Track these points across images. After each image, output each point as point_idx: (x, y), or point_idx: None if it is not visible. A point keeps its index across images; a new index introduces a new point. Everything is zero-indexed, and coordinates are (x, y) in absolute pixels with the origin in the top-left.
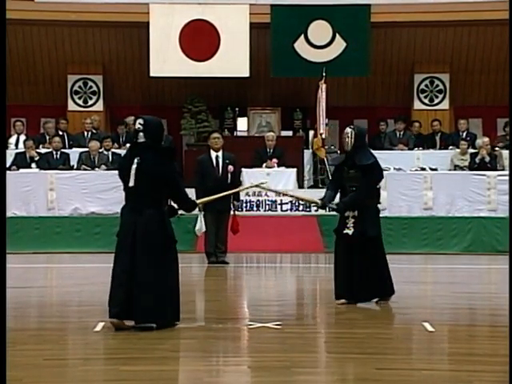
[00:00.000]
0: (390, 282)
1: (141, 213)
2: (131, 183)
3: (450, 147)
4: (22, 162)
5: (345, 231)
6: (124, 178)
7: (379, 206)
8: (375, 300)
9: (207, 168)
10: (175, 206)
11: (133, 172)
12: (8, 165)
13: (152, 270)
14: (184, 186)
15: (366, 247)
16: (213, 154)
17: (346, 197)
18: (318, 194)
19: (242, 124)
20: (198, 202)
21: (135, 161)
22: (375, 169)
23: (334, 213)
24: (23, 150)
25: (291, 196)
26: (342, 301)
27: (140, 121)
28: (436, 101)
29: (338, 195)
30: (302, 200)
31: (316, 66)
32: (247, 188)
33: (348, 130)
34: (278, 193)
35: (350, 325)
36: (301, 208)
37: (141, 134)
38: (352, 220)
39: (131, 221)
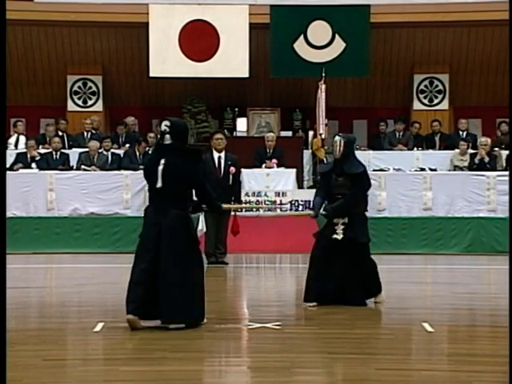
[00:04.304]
0: (376, 282)
1: (166, 214)
2: (159, 184)
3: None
4: (23, 162)
5: (334, 236)
6: (150, 179)
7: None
8: (373, 301)
9: (209, 168)
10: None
11: (159, 173)
12: (8, 165)
13: (178, 270)
14: (210, 187)
15: (356, 252)
16: (215, 154)
17: (335, 202)
18: None
19: (241, 124)
20: (225, 206)
21: (161, 162)
22: (364, 178)
23: None
24: (23, 150)
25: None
26: (315, 303)
27: (166, 123)
28: (435, 101)
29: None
30: (296, 216)
31: (315, 67)
32: (258, 207)
33: (337, 138)
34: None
35: (350, 325)
36: (300, 208)
37: (167, 135)
38: (342, 226)
39: (156, 221)
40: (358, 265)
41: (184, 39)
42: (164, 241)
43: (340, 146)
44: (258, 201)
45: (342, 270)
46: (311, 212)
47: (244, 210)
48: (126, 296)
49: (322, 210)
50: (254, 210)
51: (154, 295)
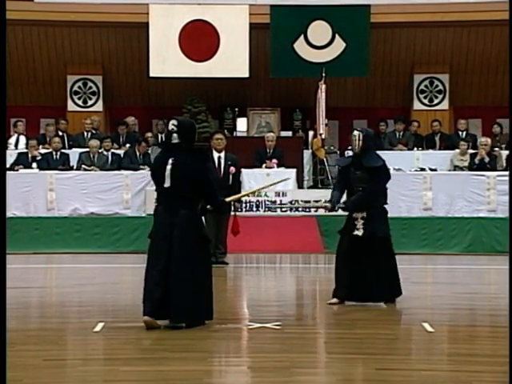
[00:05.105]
0: (397, 283)
1: (177, 213)
2: (167, 184)
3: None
4: (24, 162)
5: (354, 232)
6: (158, 178)
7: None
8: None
9: None
10: (207, 205)
11: (168, 173)
12: (9, 165)
13: (189, 269)
14: (216, 186)
15: (376, 248)
16: (215, 154)
17: (354, 196)
18: (317, 194)
19: (241, 124)
20: (228, 200)
21: (170, 161)
22: (383, 171)
23: (334, 213)
24: (23, 150)
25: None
26: (335, 300)
27: (174, 122)
28: (436, 101)
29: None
30: (313, 206)
31: (315, 67)
32: (271, 185)
33: (356, 132)
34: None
35: (350, 325)
36: (300, 208)
37: (174, 135)
38: (361, 221)
39: (167, 221)
40: (379, 262)
41: (184, 39)
42: (176, 241)
43: (359, 140)
44: (258, 201)
45: (366, 267)
46: (328, 204)
47: (244, 209)
48: (144, 297)
49: (341, 204)
50: (256, 195)
51: (168, 296)
